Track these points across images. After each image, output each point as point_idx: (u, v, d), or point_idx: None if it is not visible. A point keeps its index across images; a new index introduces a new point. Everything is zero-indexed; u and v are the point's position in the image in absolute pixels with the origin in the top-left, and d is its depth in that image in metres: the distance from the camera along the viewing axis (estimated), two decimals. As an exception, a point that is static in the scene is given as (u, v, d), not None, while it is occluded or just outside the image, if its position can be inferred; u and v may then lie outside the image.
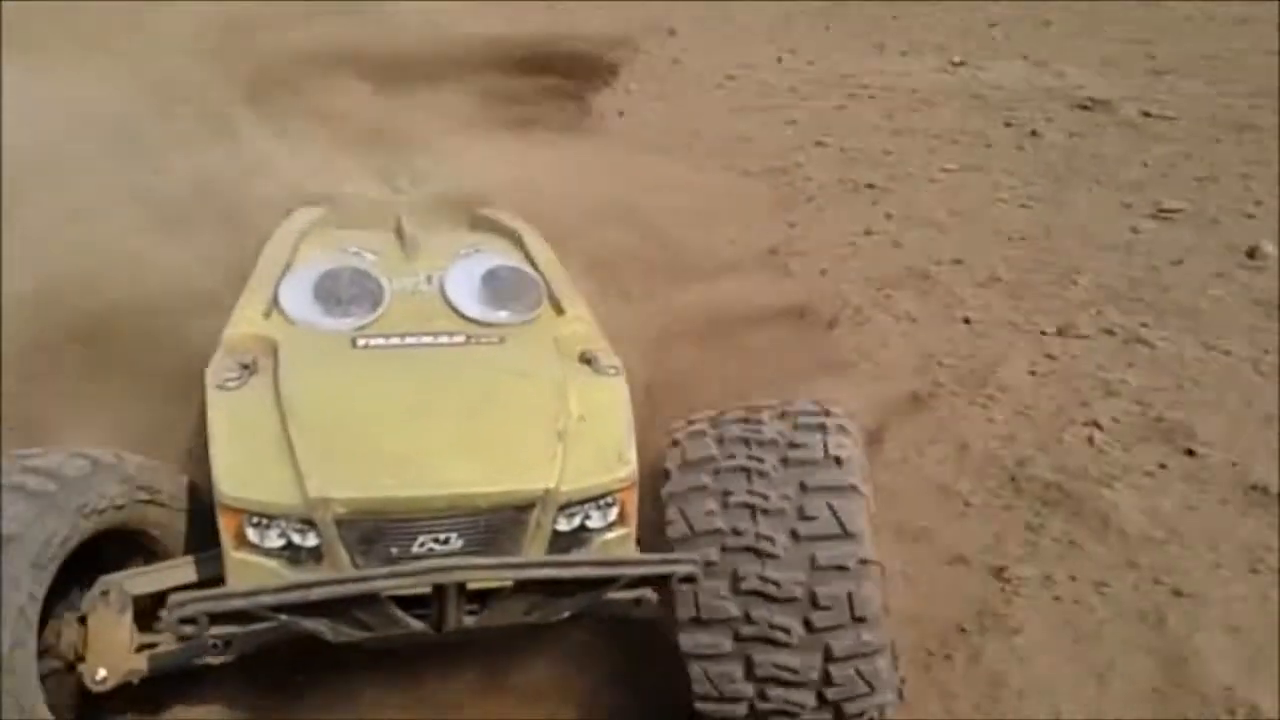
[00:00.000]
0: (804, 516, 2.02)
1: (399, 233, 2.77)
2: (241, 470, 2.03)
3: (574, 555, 2.11)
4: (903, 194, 6.79)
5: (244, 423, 2.11)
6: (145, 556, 2.28)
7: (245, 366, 2.23)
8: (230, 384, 2.18)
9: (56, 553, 2.02)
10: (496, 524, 2.05)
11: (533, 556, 2.07)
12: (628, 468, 2.16)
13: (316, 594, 1.86)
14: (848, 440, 2.14)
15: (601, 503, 2.12)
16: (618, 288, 3.78)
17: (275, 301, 2.44)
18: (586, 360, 2.40)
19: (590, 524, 2.13)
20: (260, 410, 2.13)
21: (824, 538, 2.01)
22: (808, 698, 2.03)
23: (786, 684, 2.00)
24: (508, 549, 2.06)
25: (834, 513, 2.02)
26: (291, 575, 2.00)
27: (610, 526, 2.15)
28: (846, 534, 2.02)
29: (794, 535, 2.01)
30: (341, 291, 2.45)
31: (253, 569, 2.01)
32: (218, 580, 2.12)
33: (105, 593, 2.15)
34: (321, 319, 2.42)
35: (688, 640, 2.06)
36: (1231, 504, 3.60)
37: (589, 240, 3.68)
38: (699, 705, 2.11)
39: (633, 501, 2.19)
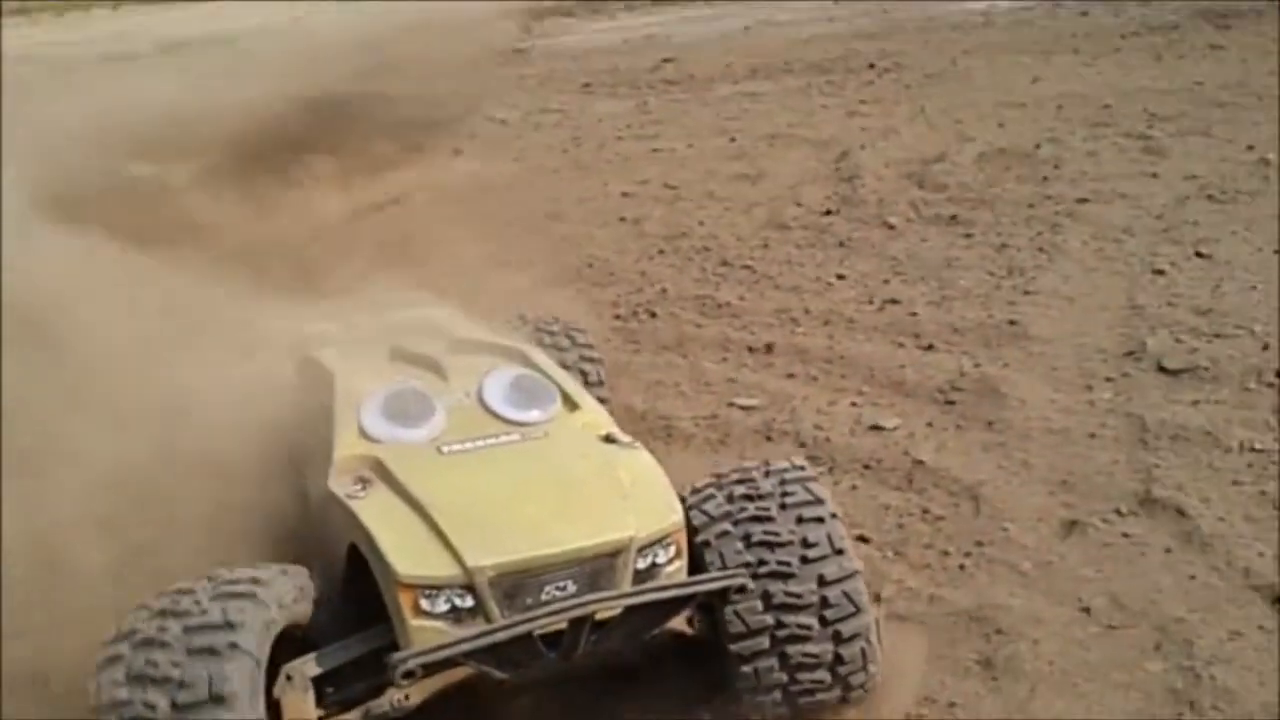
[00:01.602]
0: (807, 544, 2.72)
1: (429, 362, 3.25)
2: (409, 555, 2.48)
3: (659, 582, 2.65)
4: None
5: (390, 520, 2.58)
6: (298, 647, 2.61)
7: (363, 479, 2.72)
8: (359, 494, 2.67)
9: (264, 639, 2.42)
10: (597, 569, 2.57)
11: (633, 588, 2.59)
12: (677, 515, 2.73)
13: (500, 636, 2.41)
14: (817, 485, 2.89)
15: (664, 543, 2.68)
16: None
17: (361, 427, 2.91)
18: (610, 440, 2.96)
19: (658, 561, 2.67)
20: (396, 509, 2.62)
21: (824, 558, 2.72)
22: (825, 676, 2.73)
23: (810, 667, 2.70)
24: (606, 588, 2.57)
25: (827, 538, 2.75)
26: (458, 633, 2.45)
27: (670, 561, 2.70)
28: (837, 551, 2.75)
29: (804, 559, 2.72)
30: (409, 410, 2.95)
31: (429, 632, 2.45)
32: (381, 651, 2.52)
33: (290, 677, 2.51)
34: (400, 433, 2.90)
35: (737, 646, 2.71)
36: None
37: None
38: (745, 694, 2.75)
39: (683, 540, 2.74)
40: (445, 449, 2.86)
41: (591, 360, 4.27)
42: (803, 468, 2.94)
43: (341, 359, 3.34)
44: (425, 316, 3.84)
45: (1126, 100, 9.41)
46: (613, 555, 2.58)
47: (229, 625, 2.36)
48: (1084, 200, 6.96)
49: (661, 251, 6.80)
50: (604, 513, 2.65)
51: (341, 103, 6.44)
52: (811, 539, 2.73)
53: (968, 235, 6.56)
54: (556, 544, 2.54)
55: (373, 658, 2.56)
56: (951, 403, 4.71)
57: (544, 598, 2.52)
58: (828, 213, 7.19)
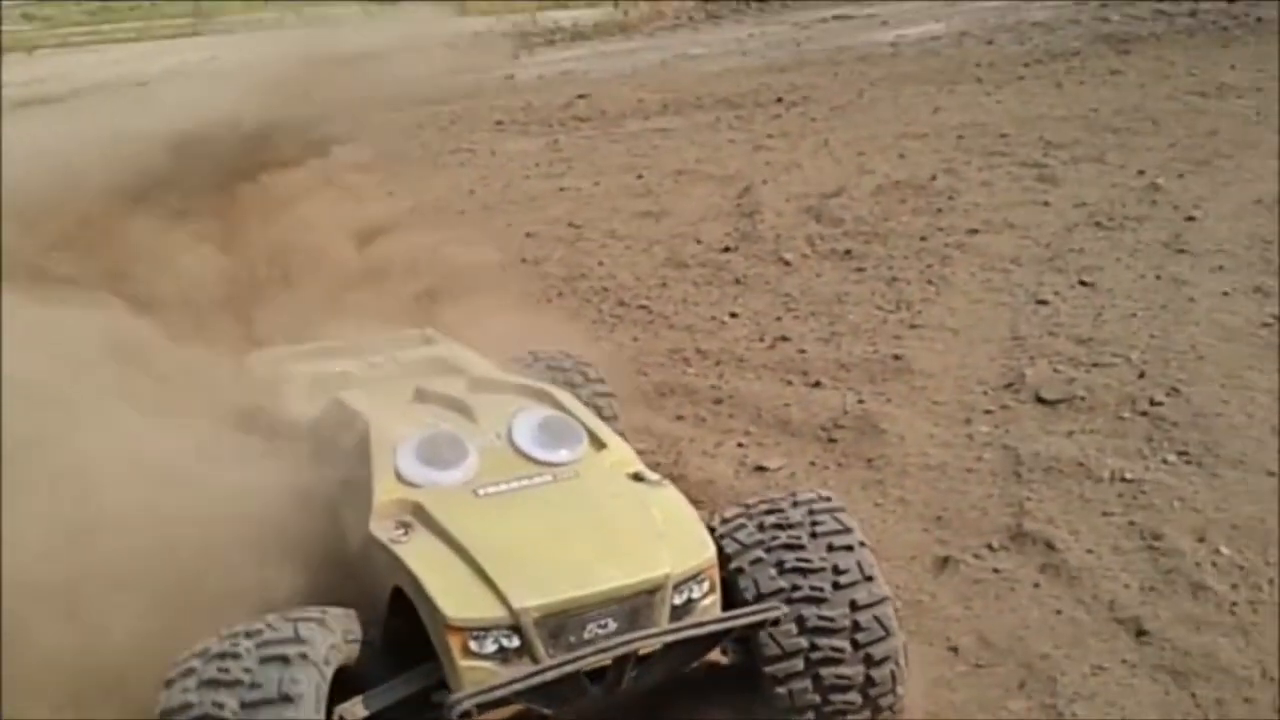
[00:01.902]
0: (838, 571, 2.82)
1: (457, 404, 3.29)
2: (456, 598, 2.54)
3: (697, 618, 2.72)
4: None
5: (435, 563, 2.63)
6: (344, 689, 2.61)
7: (404, 523, 2.78)
8: (402, 539, 2.73)
9: (331, 659, 2.52)
10: (636, 606, 2.64)
11: (673, 624, 2.67)
12: (710, 551, 2.80)
13: (550, 675, 2.46)
14: (845, 514, 2.98)
15: (699, 579, 2.75)
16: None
17: (397, 471, 2.94)
18: (639, 478, 3.02)
19: (693, 596, 2.75)
20: (439, 552, 2.67)
21: (855, 583, 2.82)
22: (856, 697, 2.81)
23: (843, 689, 2.79)
24: (645, 624, 2.64)
25: (858, 564, 2.85)
26: (506, 672, 2.51)
27: (705, 596, 2.78)
28: (867, 578, 2.85)
29: (835, 585, 2.81)
30: (443, 454, 2.99)
31: (478, 671, 2.51)
32: (426, 692, 2.64)
33: (341, 719, 2.56)
34: (436, 477, 2.94)
35: (772, 668, 2.80)
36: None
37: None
38: (779, 717, 2.83)
39: (716, 575, 2.81)
40: (481, 491, 2.91)
41: (604, 396, 4.27)
42: (829, 498, 3.04)
43: (369, 401, 3.33)
44: (440, 355, 3.87)
45: (1024, 128, 9.61)
46: (651, 593, 2.66)
47: (299, 639, 2.48)
48: (975, 231, 7.06)
49: (560, 294, 6.78)
50: (641, 551, 2.72)
51: (243, 139, 6.33)
52: (842, 566, 2.83)
53: (860, 270, 6.61)
54: (597, 584, 2.61)
55: (419, 698, 2.65)
56: (834, 441, 4.71)
57: (586, 636, 2.59)
58: (726, 250, 7.21)
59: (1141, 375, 4.91)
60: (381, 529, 2.79)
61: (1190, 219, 6.97)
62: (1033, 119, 9.94)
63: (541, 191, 9.15)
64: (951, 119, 10.27)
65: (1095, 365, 5.06)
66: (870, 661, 2.80)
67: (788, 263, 6.83)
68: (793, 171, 9.02)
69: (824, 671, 2.78)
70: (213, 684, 2.42)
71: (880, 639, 2.80)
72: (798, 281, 6.55)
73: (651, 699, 2.89)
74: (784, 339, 5.75)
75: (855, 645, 2.79)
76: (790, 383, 5.30)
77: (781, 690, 2.80)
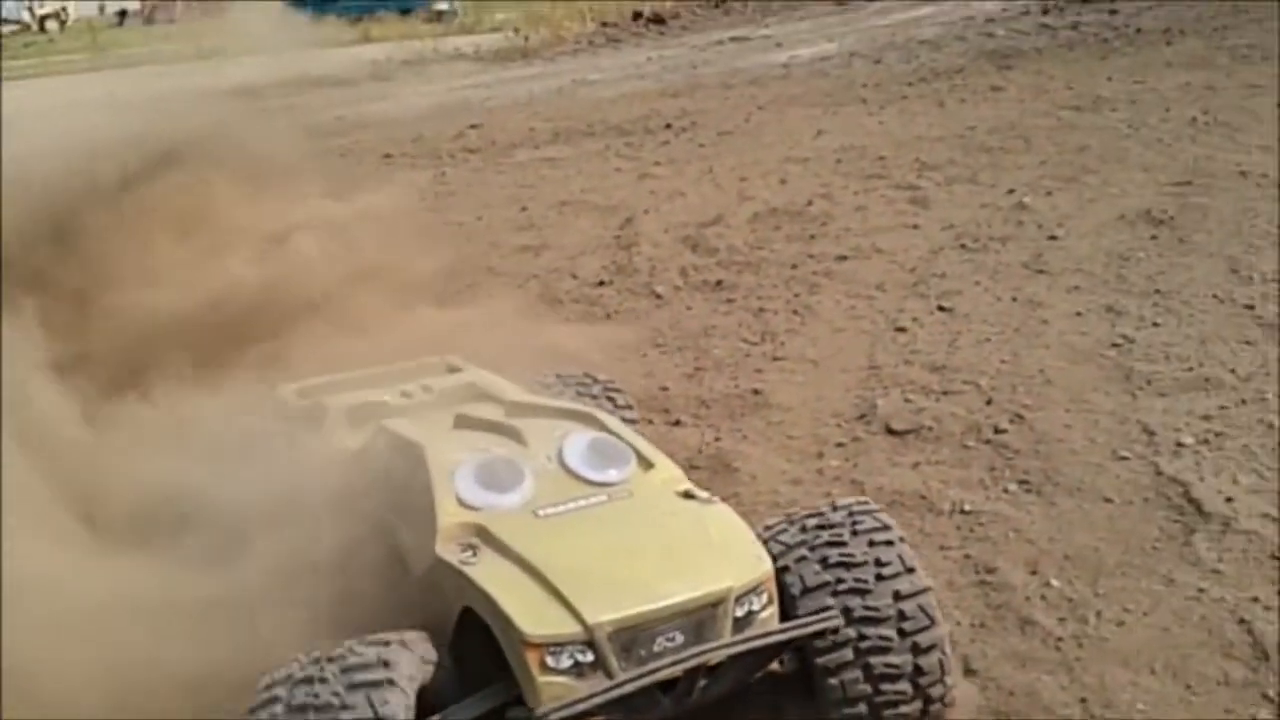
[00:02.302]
0: (880, 564, 2.93)
1: (507, 429, 3.35)
2: (532, 616, 2.61)
3: (758, 629, 2.82)
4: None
5: (507, 583, 2.70)
6: (419, 711, 2.64)
7: (470, 545, 2.85)
8: (470, 560, 2.80)
9: (414, 682, 2.59)
10: (701, 619, 2.73)
11: (740, 635, 2.78)
12: (767, 564, 2.89)
13: (629, 687, 2.58)
14: (884, 514, 3.11)
15: (757, 591, 2.84)
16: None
17: (458, 496, 3.01)
18: (689, 496, 3.12)
19: (753, 608, 2.83)
20: (509, 572, 2.74)
21: (897, 575, 2.93)
22: (906, 687, 2.89)
23: (893, 678, 2.86)
24: (710, 637, 2.74)
25: (899, 557, 2.97)
26: (581, 686, 2.59)
27: (764, 608, 2.86)
28: (909, 570, 2.96)
29: (879, 577, 2.91)
30: (501, 478, 3.06)
31: (555, 687, 2.59)
32: (501, 709, 2.72)
33: None
34: (495, 500, 3.00)
35: (824, 659, 2.89)
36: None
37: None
38: (832, 710, 2.90)
39: (774, 588, 2.89)
40: (541, 513, 2.98)
41: (630, 422, 4.21)
42: (866, 502, 3.17)
43: (417, 429, 3.37)
44: (471, 382, 3.93)
45: (901, 150, 9.75)
46: (714, 606, 2.75)
47: (384, 664, 2.54)
48: (844, 258, 7.12)
49: (428, 336, 6.68)
50: (703, 566, 2.80)
51: (109, 181, 6.14)
52: (884, 559, 2.95)
53: (730, 301, 6.62)
54: (665, 598, 2.69)
55: (493, 716, 2.73)
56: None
57: (655, 649, 2.68)
58: (600, 284, 7.19)
59: (989, 402, 4.96)
60: (448, 552, 2.85)
61: (1053, 238, 7.11)
62: (911, 140, 10.09)
63: (423, 227, 9.04)
64: (833, 142, 10.40)
65: (945, 393, 5.10)
66: (917, 650, 2.89)
67: (659, 296, 6.82)
68: (675, 200, 9.04)
69: (874, 660, 2.87)
70: (301, 709, 2.47)
71: (925, 627, 2.90)
72: (668, 315, 6.54)
73: (714, 708, 2.94)
74: (648, 375, 5.73)
75: (902, 634, 2.88)
76: (651, 421, 5.26)
77: (834, 681, 2.89)
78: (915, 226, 7.68)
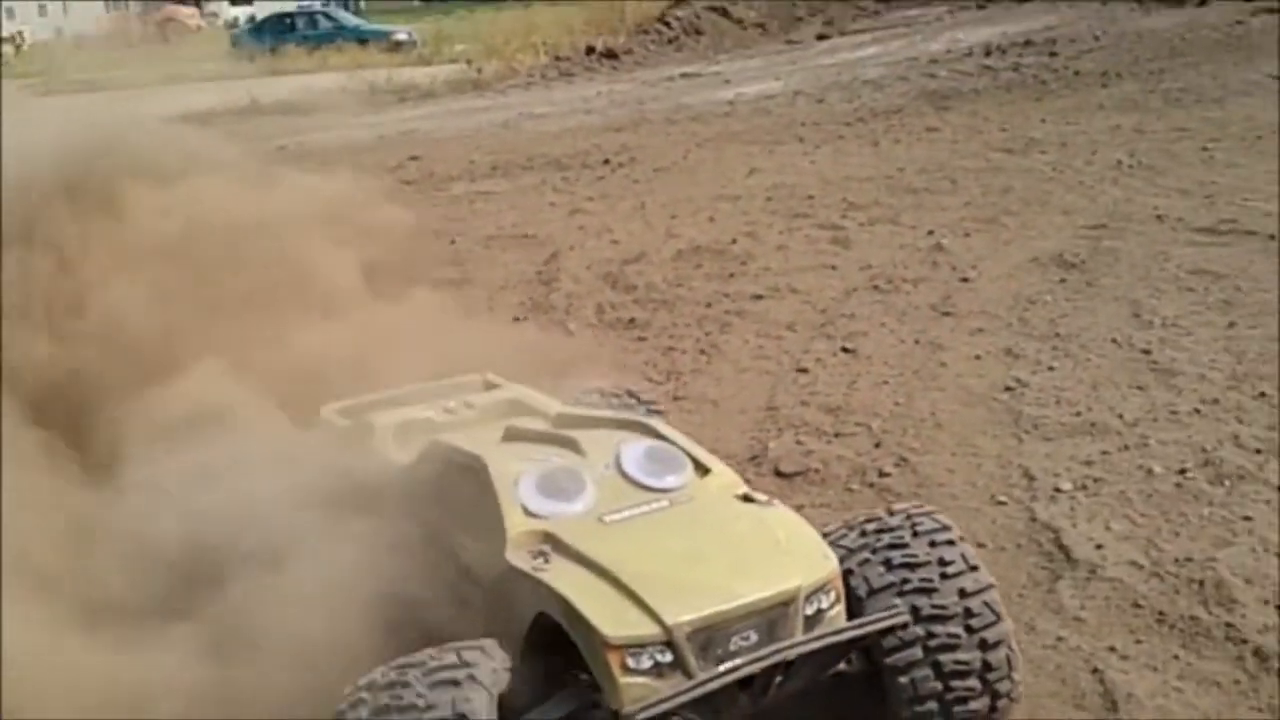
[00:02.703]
0: (943, 563, 2.98)
1: (562, 439, 3.37)
2: (612, 618, 2.64)
3: (827, 626, 2.86)
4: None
5: (583, 587, 2.72)
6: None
7: (541, 552, 2.87)
8: (544, 566, 2.82)
9: (496, 683, 2.64)
10: (773, 618, 2.76)
11: (815, 632, 2.82)
12: (834, 562, 2.93)
13: (714, 684, 2.62)
14: (942, 515, 3.17)
15: (825, 590, 2.88)
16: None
17: (523, 506, 3.04)
18: (749, 500, 3.15)
19: (822, 606, 2.87)
20: (584, 577, 2.76)
21: (961, 573, 2.98)
22: (975, 683, 2.93)
23: (962, 675, 2.91)
24: (783, 635, 2.77)
25: (961, 556, 3.02)
26: (662, 686, 2.63)
27: (832, 605, 2.90)
28: (972, 567, 3.02)
29: (944, 576, 2.96)
30: (564, 486, 3.09)
31: (637, 688, 2.62)
32: (579, 711, 2.76)
33: None
34: (559, 508, 3.03)
35: (894, 659, 2.93)
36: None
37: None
38: (903, 709, 2.95)
39: (840, 586, 2.93)
40: (607, 519, 3.01)
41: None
42: (922, 505, 3.24)
43: (475, 442, 3.37)
44: (512, 398, 4.00)
45: (829, 190, 9.84)
46: (786, 604, 2.79)
47: (465, 664, 2.60)
48: (759, 296, 7.15)
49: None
50: (772, 566, 2.85)
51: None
52: (947, 558, 3.00)
53: (641, 339, 6.63)
54: (739, 598, 2.73)
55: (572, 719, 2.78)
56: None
57: (731, 648, 2.71)
58: (515, 320, 7.18)
59: (878, 445, 4.98)
60: (519, 559, 2.88)
61: (964, 280, 7.17)
62: (840, 180, 10.17)
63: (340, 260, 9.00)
64: (766, 180, 10.47)
65: (837, 435, 5.12)
66: (985, 646, 2.94)
67: (570, 333, 6.81)
68: (603, 236, 9.06)
69: (943, 658, 2.91)
70: (386, 710, 2.52)
71: (992, 623, 2.95)
72: (577, 351, 6.52)
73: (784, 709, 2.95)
74: (549, 415, 5.71)
75: (969, 630, 2.93)
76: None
77: (904, 680, 2.92)
78: (833, 267, 7.73)
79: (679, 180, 10.87)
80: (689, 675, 2.66)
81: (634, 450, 3.25)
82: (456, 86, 20.51)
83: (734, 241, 8.45)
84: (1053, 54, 16.78)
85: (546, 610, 2.78)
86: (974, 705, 2.96)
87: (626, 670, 2.64)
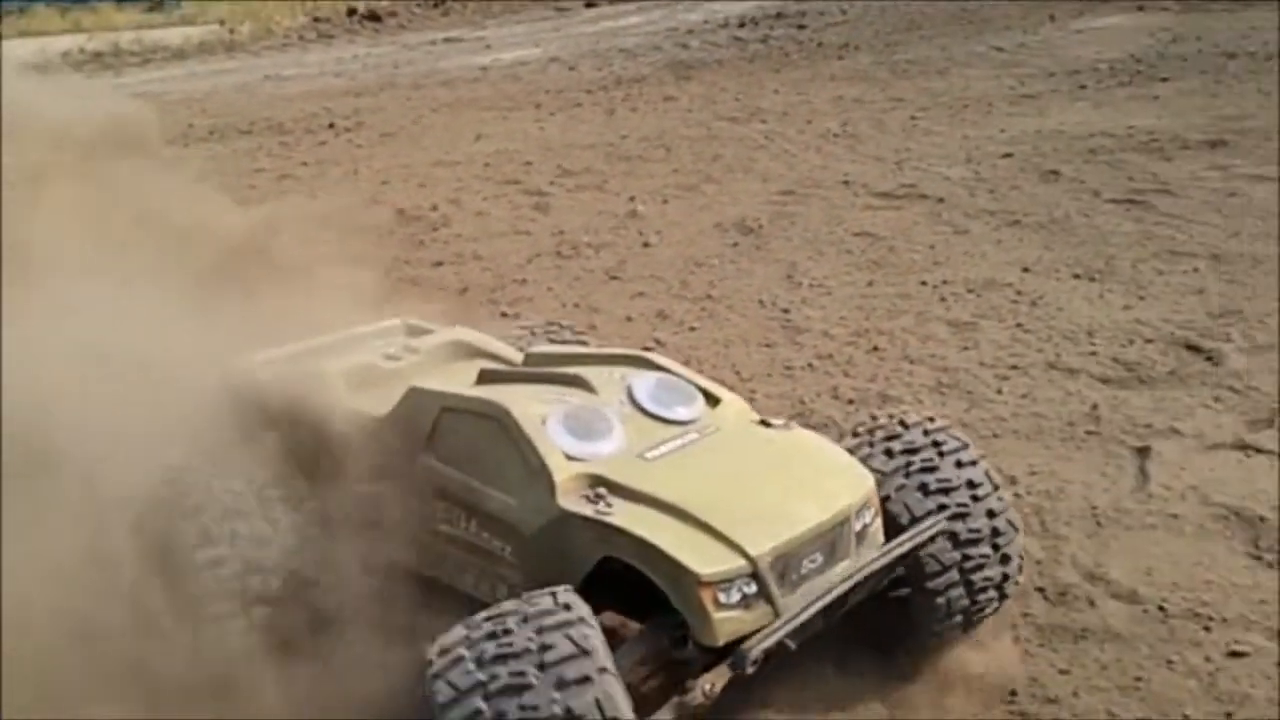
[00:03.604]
0: (972, 485, 3.08)
1: (569, 380, 3.21)
2: (698, 555, 2.59)
3: (871, 541, 2.90)
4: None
5: (657, 526, 2.65)
6: None
7: (596, 495, 2.77)
8: (607, 510, 2.72)
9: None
10: (833, 538, 2.78)
11: (883, 548, 2.88)
12: (870, 479, 2.95)
13: (815, 608, 2.64)
14: (957, 431, 3.26)
15: (868, 505, 2.90)
16: None
17: (564, 452, 2.89)
18: (767, 424, 3.12)
19: (866, 522, 2.89)
20: (651, 516, 2.68)
21: (988, 494, 3.10)
22: (994, 595, 3.12)
23: (986, 589, 3.08)
24: (841, 555, 2.80)
25: (986, 476, 3.14)
26: (748, 618, 2.62)
27: (874, 520, 2.93)
28: (996, 486, 3.15)
29: (974, 498, 3.08)
30: (593, 427, 2.96)
31: (730, 622, 2.60)
32: (662, 650, 2.72)
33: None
34: (594, 449, 2.91)
35: (933, 583, 3.03)
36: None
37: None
38: (933, 624, 3.08)
39: (876, 499, 2.95)
40: (648, 455, 2.92)
41: None
42: (933, 418, 3.27)
43: (479, 388, 3.21)
44: (457, 339, 3.77)
45: (548, 157, 9.85)
46: (842, 524, 2.81)
47: (566, 606, 2.46)
48: (440, 264, 7.09)
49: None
50: (823, 487, 2.85)
51: None
52: (975, 480, 3.10)
53: (306, 307, 6.46)
54: (805, 522, 2.73)
55: (652, 659, 2.73)
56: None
57: (803, 572, 2.73)
58: (181, 289, 6.88)
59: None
60: (577, 505, 2.76)
61: (646, 245, 7.29)
62: (562, 147, 10.20)
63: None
64: (489, 147, 10.40)
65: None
66: (1005, 560, 3.11)
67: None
68: (306, 205, 8.79)
69: (974, 577, 3.06)
70: (499, 659, 2.36)
71: (1012, 539, 3.12)
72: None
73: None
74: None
75: (995, 549, 3.08)
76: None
77: (940, 600, 3.05)
78: (527, 233, 7.73)
79: (402, 146, 10.68)
80: (771, 603, 2.66)
81: (644, 384, 3.16)
82: (208, 48, 19.58)
83: (435, 208, 8.34)
84: (801, 26, 17.31)
85: (615, 554, 2.69)
86: (988, 610, 3.19)
87: (719, 605, 2.61)
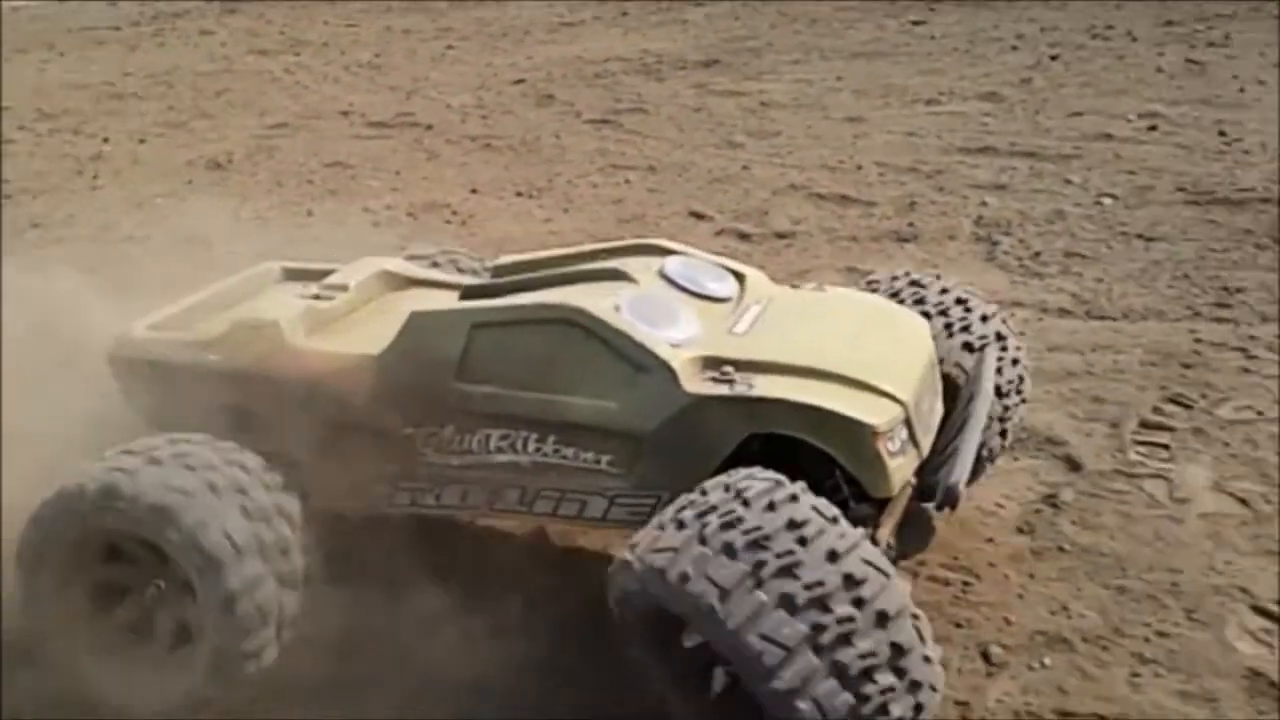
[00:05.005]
0: (1000, 337, 3.18)
1: (609, 273, 2.95)
2: (862, 409, 2.52)
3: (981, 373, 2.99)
4: None
5: (808, 391, 2.55)
6: None
7: (724, 374, 2.60)
8: (747, 387, 2.57)
9: None
10: (932, 377, 2.84)
11: (975, 384, 2.94)
12: (926, 323, 2.98)
13: (980, 436, 2.76)
14: (990, 301, 3.37)
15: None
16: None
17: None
18: (795, 287, 3.14)
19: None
20: (793, 383, 2.57)
21: (1012, 347, 3.23)
22: (1011, 437, 3.32)
23: (1005, 434, 3.24)
24: (938, 391, 2.90)
25: (1008, 328, 3.27)
26: (907, 463, 2.61)
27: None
28: (1018, 334, 3.32)
29: (1003, 352, 3.18)
30: (663, 312, 2.76)
31: (900, 469, 2.58)
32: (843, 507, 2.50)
33: None
34: (678, 334, 2.71)
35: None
36: None
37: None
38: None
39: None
40: (737, 329, 2.80)
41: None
42: (938, 276, 3.35)
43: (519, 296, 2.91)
44: (383, 269, 3.35)
45: (32, 99, 9.02)
46: (934, 364, 2.86)
47: (779, 483, 2.33)
48: None
49: None
50: (904, 333, 2.87)
51: None
52: (1003, 334, 3.20)
53: None
54: (918, 364, 2.75)
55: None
56: None
57: (925, 411, 2.74)
58: None
59: None
60: (708, 387, 2.60)
61: (95, 189, 6.80)
62: (54, 89, 9.38)
63: None
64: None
65: None
66: (1024, 402, 3.31)
67: None
68: None
69: (1007, 425, 3.22)
70: (754, 545, 2.18)
71: (1027, 384, 3.31)
72: None
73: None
74: None
75: (1018, 392, 3.23)
76: None
77: (984, 452, 3.13)
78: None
79: None
80: (917, 445, 2.66)
81: (675, 267, 3.00)
82: None
83: None
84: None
85: (765, 429, 2.56)
86: (998, 456, 3.33)
87: (890, 454, 2.57)
